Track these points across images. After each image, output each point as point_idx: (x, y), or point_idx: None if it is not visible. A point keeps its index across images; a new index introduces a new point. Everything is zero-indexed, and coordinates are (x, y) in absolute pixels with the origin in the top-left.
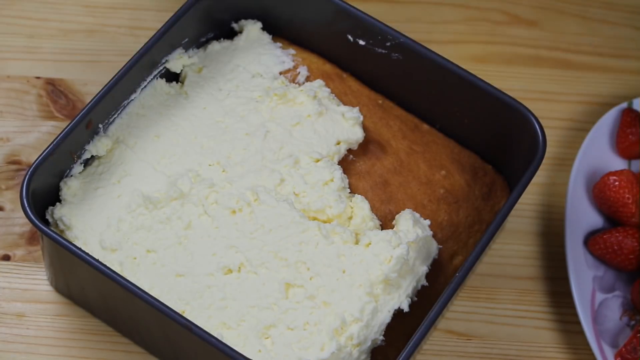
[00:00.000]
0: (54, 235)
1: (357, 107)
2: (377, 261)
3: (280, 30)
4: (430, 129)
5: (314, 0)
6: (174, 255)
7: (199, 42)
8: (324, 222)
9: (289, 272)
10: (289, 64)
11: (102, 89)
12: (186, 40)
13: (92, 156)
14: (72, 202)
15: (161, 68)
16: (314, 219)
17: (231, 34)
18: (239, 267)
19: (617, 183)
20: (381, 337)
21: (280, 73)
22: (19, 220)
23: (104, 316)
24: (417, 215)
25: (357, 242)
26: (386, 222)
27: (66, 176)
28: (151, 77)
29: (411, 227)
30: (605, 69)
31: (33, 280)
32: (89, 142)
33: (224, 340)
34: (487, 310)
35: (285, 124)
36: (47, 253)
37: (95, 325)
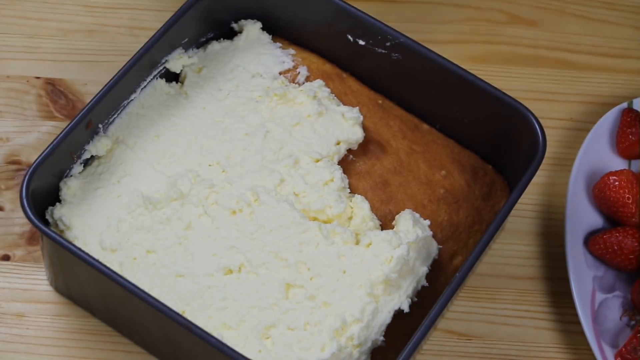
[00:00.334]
0: (54, 235)
1: (357, 107)
2: (378, 261)
3: (280, 30)
4: (430, 129)
5: (314, 0)
6: (174, 256)
7: (198, 42)
8: (324, 222)
9: (289, 272)
10: (288, 64)
11: (102, 89)
12: (186, 40)
13: (92, 156)
14: (72, 202)
15: (161, 68)
16: (314, 219)
17: (231, 34)
18: (239, 267)
19: (617, 183)
20: (381, 338)
21: (280, 73)
22: (18, 220)
23: (103, 316)
24: (417, 215)
25: (357, 243)
26: (386, 222)
27: (66, 176)
28: (151, 77)
29: (411, 227)
30: (605, 69)
31: (33, 280)
32: (88, 142)
33: (224, 341)
34: (487, 310)
35: (285, 124)
36: (47, 253)
37: (95, 325)
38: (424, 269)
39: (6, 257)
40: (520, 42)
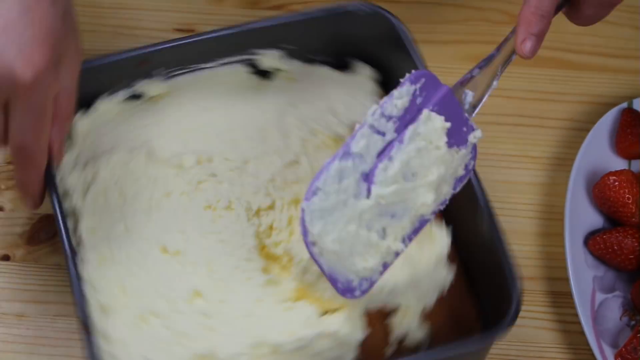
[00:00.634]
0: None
1: None
2: (284, 327)
3: (386, 86)
4: None
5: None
6: (135, 208)
7: (304, 56)
8: (266, 270)
9: (205, 281)
10: None
11: (171, 40)
12: (290, 47)
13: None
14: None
15: (248, 57)
16: (266, 257)
17: (338, 66)
18: (175, 251)
19: (617, 183)
20: None
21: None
22: (19, 221)
23: None
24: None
25: (291, 300)
26: None
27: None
28: (235, 59)
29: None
30: (605, 69)
31: (33, 280)
32: (137, 80)
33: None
34: None
35: (313, 165)
36: None
37: None
38: None
39: (6, 257)
40: None
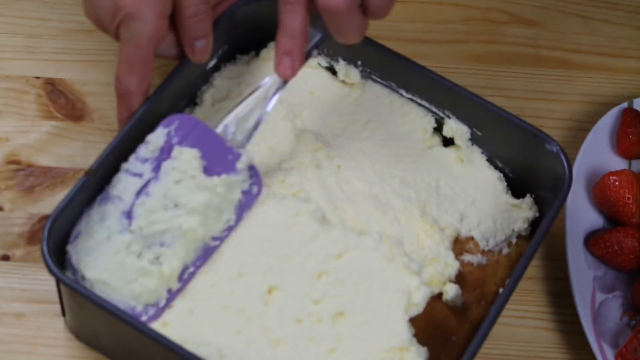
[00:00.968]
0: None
1: None
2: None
3: None
4: None
5: None
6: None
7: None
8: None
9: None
10: None
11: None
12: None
13: None
14: None
15: (440, 114)
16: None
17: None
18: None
19: (617, 183)
20: None
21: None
22: (18, 221)
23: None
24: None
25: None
26: None
27: None
28: (428, 104)
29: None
30: (605, 69)
31: (33, 280)
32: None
33: None
34: None
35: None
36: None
37: None
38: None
39: (6, 257)
40: (520, 42)
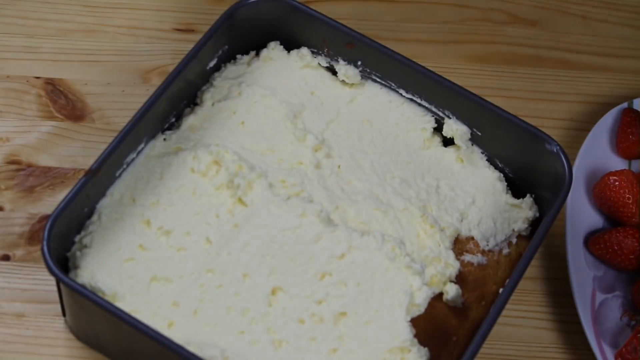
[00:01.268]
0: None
1: None
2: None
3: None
4: None
5: None
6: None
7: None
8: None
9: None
10: None
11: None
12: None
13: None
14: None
15: (440, 114)
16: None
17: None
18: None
19: (617, 183)
20: None
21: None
22: (18, 220)
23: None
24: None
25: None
26: None
27: None
28: (427, 104)
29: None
30: (605, 69)
31: (33, 280)
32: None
33: None
34: None
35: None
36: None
37: None
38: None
39: (6, 257)
40: (520, 42)
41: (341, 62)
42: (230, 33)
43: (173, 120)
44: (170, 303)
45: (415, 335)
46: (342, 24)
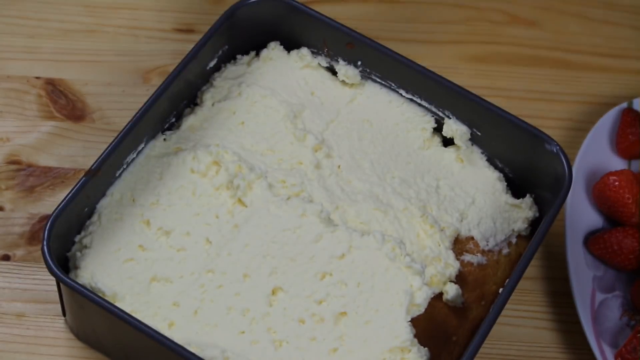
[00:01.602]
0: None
1: None
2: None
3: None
4: None
5: None
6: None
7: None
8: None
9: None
10: None
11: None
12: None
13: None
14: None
15: (440, 115)
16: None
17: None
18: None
19: (617, 183)
20: None
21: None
22: (18, 220)
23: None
24: None
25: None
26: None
27: None
28: (427, 104)
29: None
30: (605, 69)
31: (33, 280)
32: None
33: None
34: None
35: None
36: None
37: None
38: None
39: (6, 257)
40: (520, 42)
41: (341, 62)
42: (230, 33)
43: (173, 120)
44: (170, 303)
45: (415, 335)
46: (342, 24)
